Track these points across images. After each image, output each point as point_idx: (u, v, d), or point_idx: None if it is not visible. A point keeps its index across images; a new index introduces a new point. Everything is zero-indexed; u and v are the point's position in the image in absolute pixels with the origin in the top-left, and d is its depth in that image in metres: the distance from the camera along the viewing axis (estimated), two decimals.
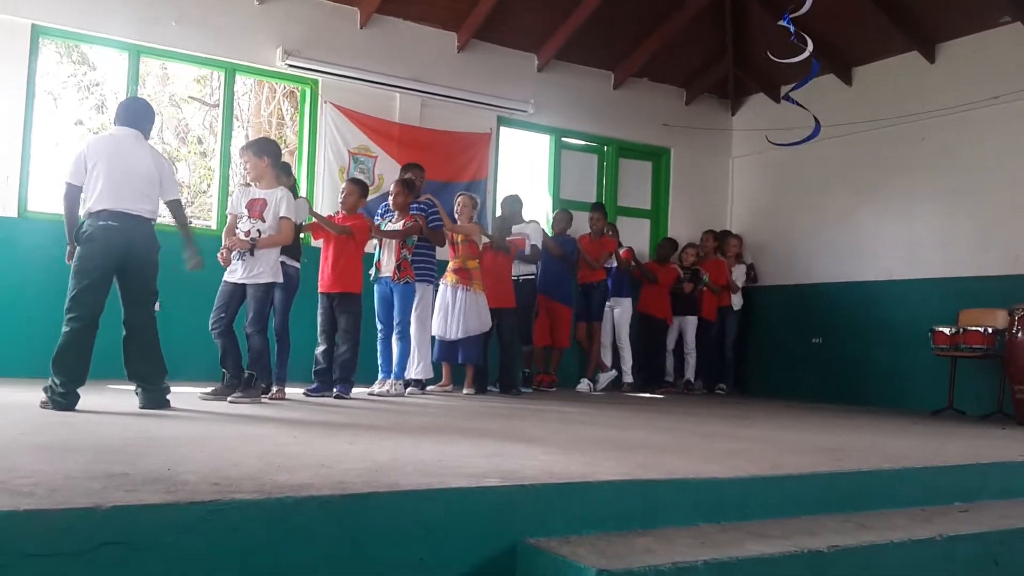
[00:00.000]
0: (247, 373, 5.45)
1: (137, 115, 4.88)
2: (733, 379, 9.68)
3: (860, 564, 2.62)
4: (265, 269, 5.48)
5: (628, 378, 8.71)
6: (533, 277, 7.85)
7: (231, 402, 5.26)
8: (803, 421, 6.03)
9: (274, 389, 5.84)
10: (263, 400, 5.53)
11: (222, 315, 5.51)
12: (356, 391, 6.36)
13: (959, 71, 8.44)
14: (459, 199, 7.33)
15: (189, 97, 12.96)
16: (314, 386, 6.30)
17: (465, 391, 7.26)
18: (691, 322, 9.26)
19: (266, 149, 5.64)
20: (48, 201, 7.40)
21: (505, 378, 7.48)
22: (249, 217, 5.49)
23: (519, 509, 2.46)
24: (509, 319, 7.45)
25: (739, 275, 9.66)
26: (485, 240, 7.41)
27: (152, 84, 12.17)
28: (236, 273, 5.49)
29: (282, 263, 5.85)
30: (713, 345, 9.49)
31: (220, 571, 2.00)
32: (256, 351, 5.51)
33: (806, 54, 6.83)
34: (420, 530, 2.28)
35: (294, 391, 6.22)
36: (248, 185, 5.72)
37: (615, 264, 8.77)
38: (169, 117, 13.04)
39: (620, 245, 8.90)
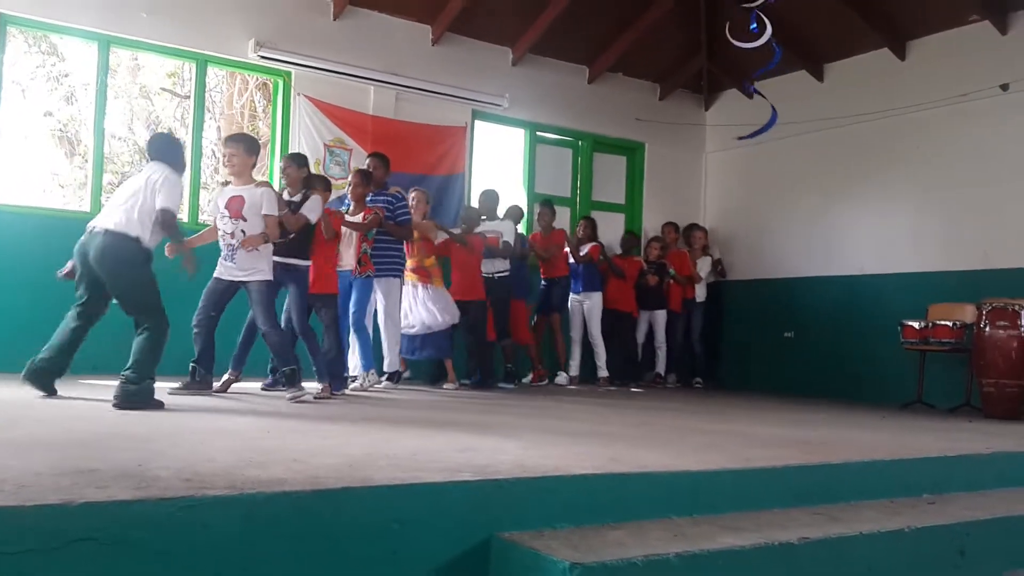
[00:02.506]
0: (285, 370, 5.38)
1: (159, 149, 5.06)
2: (703, 372, 9.72)
3: (830, 556, 2.66)
4: (264, 266, 5.41)
5: (603, 372, 8.74)
6: (508, 273, 7.81)
7: (290, 400, 5.18)
8: (775, 414, 6.09)
9: (319, 387, 5.65)
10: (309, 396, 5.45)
11: (212, 313, 5.41)
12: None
13: (929, 68, 8.54)
14: (414, 195, 7.25)
15: (160, 89, 12.81)
16: (270, 380, 6.23)
17: (446, 386, 7.24)
18: (660, 316, 9.27)
19: (256, 149, 5.58)
20: (18, 193, 7.29)
21: (484, 372, 7.46)
22: (230, 217, 5.36)
23: (492, 503, 2.47)
24: (477, 312, 7.42)
25: (704, 267, 9.69)
26: (443, 235, 7.37)
27: (123, 75, 12.02)
28: (230, 271, 5.38)
29: (293, 264, 5.80)
30: (680, 339, 9.53)
31: (192, 567, 1.99)
32: (279, 345, 5.42)
33: (765, 38, 6.87)
34: (394, 525, 2.28)
35: (252, 385, 6.15)
36: (226, 184, 5.65)
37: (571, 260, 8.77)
38: (140, 109, 12.88)
39: (596, 240, 8.89)
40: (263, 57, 7.81)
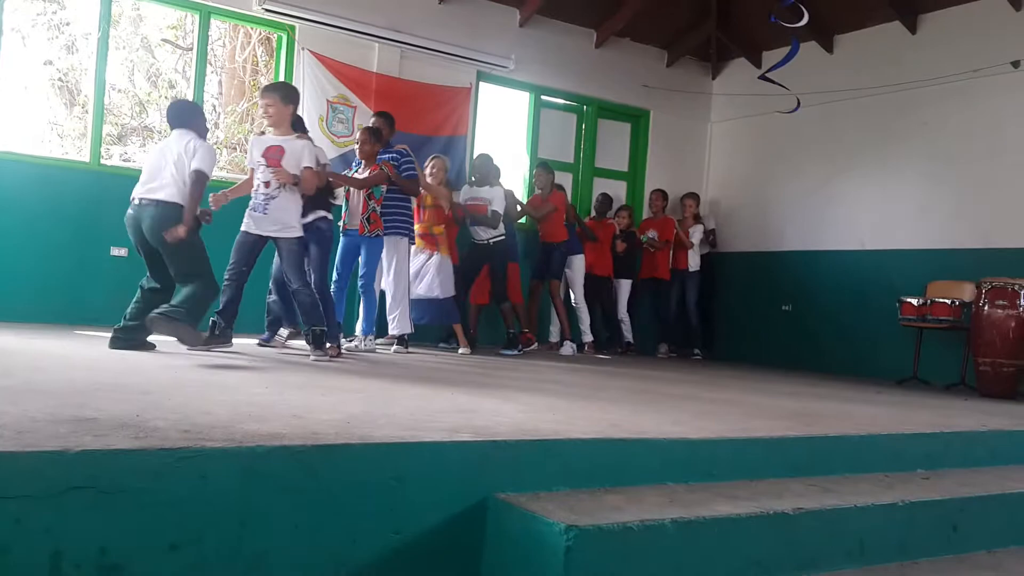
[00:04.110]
0: (312, 330, 5.35)
1: (181, 116, 5.17)
2: (700, 342, 9.71)
3: (824, 527, 2.67)
4: (294, 223, 5.34)
5: (587, 337, 8.67)
6: (503, 238, 7.71)
7: (313, 362, 5.12)
8: (771, 386, 6.10)
9: (328, 346, 5.56)
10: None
11: (243, 268, 5.29)
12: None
13: (941, 42, 8.45)
14: (433, 162, 7.19)
15: (162, 40, 12.67)
16: (267, 336, 6.25)
17: (461, 351, 7.19)
18: (625, 285, 9.20)
19: (294, 97, 5.47)
20: (18, 142, 7.22)
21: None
22: (267, 166, 5.25)
23: (490, 464, 2.47)
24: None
25: (696, 235, 9.61)
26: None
27: (124, 26, 11.87)
28: (261, 224, 5.28)
29: (317, 218, 5.76)
30: (674, 308, 9.49)
31: (189, 518, 2.00)
32: (309, 304, 5.35)
33: (803, 22, 6.83)
34: (392, 482, 2.29)
35: (249, 341, 6.16)
36: (262, 133, 5.54)
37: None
38: (140, 61, 12.74)
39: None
40: (267, 10, 7.70)
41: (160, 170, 4.96)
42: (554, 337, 8.79)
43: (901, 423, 4.05)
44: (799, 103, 7.87)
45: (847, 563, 2.70)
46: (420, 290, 7.12)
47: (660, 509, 2.44)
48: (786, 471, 3.08)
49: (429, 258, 7.18)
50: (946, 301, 7.42)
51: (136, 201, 4.99)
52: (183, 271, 4.94)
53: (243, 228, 5.34)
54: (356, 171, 6.57)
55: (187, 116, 5.17)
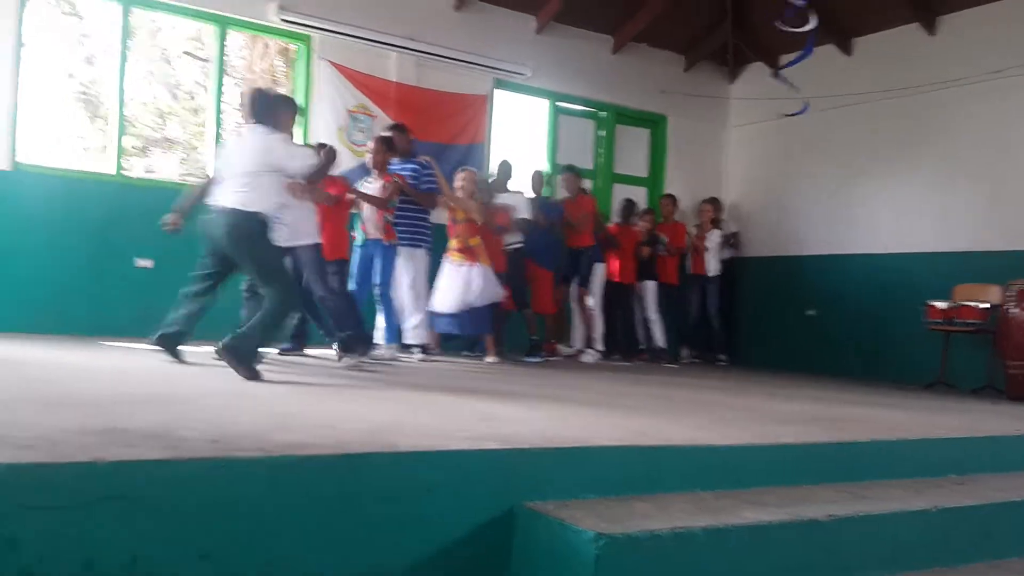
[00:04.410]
0: (342, 335, 5.33)
1: (262, 111, 4.77)
2: (725, 348, 9.62)
3: (856, 534, 2.64)
4: (311, 229, 5.34)
5: (599, 345, 8.53)
6: (522, 245, 7.68)
7: (348, 369, 5.09)
8: (797, 391, 6.05)
9: (334, 346, 5.57)
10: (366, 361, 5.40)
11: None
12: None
13: (960, 44, 8.37)
14: (463, 175, 7.02)
15: (181, 52, 12.76)
16: (288, 346, 6.22)
17: (488, 359, 7.04)
18: (650, 287, 9.10)
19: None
20: (40, 154, 7.29)
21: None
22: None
23: (518, 473, 2.46)
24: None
25: (713, 240, 9.50)
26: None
27: (143, 38, 11.97)
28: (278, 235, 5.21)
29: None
30: (696, 313, 9.40)
31: (218, 528, 2.00)
32: (338, 309, 5.34)
33: (812, 24, 6.78)
34: (419, 491, 2.28)
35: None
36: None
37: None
38: (160, 72, 12.84)
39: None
40: (285, 20, 7.75)
41: (236, 177, 4.65)
42: (576, 344, 8.71)
43: (932, 428, 4.00)
44: (806, 106, 7.76)
45: (879, 570, 2.67)
46: (471, 298, 6.86)
47: (690, 517, 2.42)
48: (816, 477, 3.05)
49: (471, 269, 7.04)
50: (973, 304, 7.34)
51: (213, 207, 4.69)
52: (263, 277, 4.65)
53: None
54: (367, 180, 6.57)
55: (266, 110, 4.78)
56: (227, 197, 4.61)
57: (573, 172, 8.51)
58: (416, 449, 2.37)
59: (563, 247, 8.47)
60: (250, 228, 4.57)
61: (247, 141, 4.76)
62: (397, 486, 2.26)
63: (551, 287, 8.18)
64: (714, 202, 9.75)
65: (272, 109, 4.78)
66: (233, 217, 4.55)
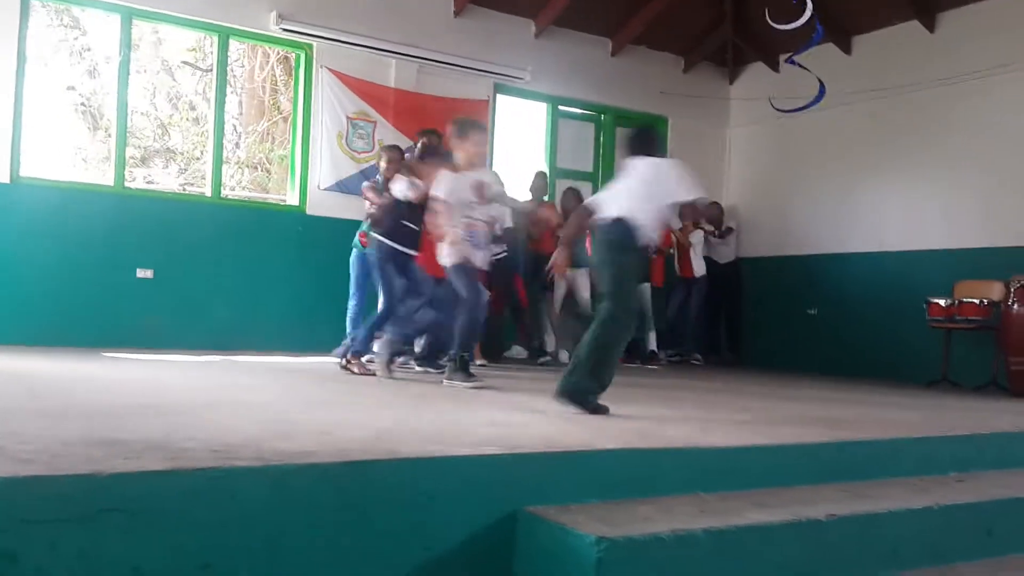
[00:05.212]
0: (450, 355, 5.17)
1: (641, 147, 4.72)
2: (694, 346, 9.38)
3: (858, 533, 2.64)
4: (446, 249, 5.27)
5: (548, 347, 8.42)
6: (506, 254, 7.47)
7: (446, 385, 4.98)
8: (799, 391, 6.05)
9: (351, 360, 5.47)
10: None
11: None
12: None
13: (960, 41, 8.37)
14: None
15: (181, 62, 12.81)
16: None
17: (479, 363, 7.03)
18: (645, 289, 9.00)
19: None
20: (41, 167, 7.31)
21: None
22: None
23: (519, 477, 2.46)
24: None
25: (696, 241, 9.39)
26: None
27: (145, 49, 12.01)
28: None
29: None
30: (673, 314, 9.33)
31: (220, 538, 2.00)
32: (462, 329, 5.12)
33: (804, 19, 6.74)
34: (421, 497, 2.28)
35: (278, 359, 6.18)
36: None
37: None
38: (161, 83, 12.89)
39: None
40: (285, 30, 7.77)
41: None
42: (550, 347, 8.57)
43: (933, 426, 4.00)
44: (822, 88, 7.67)
45: (882, 569, 2.67)
46: None
47: (691, 519, 2.42)
48: (817, 477, 3.05)
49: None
50: (975, 301, 7.32)
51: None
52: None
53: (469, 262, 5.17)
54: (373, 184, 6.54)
55: (643, 145, 4.76)
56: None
57: (574, 193, 8.48)
58: (417, 456, 2.37)
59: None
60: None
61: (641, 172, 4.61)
62: (399, 493, 2.26)
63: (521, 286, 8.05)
64: (691, 204, 9.56)
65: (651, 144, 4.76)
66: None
